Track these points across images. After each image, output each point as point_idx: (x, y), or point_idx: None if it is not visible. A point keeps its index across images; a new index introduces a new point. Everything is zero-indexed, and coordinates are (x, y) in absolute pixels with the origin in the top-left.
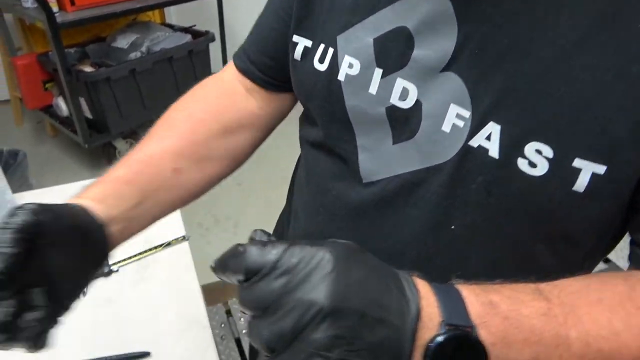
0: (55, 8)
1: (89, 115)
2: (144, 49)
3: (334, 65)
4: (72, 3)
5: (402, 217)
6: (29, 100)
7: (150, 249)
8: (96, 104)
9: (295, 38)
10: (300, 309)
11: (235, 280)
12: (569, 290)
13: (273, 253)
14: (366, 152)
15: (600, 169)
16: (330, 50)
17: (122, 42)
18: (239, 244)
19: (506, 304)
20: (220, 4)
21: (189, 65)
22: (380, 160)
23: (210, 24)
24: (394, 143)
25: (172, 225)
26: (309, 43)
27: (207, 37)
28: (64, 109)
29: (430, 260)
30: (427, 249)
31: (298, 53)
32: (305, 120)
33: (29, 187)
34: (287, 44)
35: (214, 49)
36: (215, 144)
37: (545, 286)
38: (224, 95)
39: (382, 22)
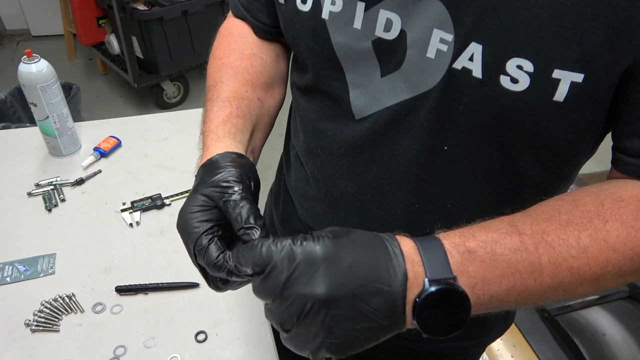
0: None
1: (139, 55)
2: None
3: (317, 4)
4: None
5: (396, 148)
6: (82, 36)
7: None
8: (148, 43)
9: None
10: (301, 301)
11: (247, 272)
12: (541, 218)
13: (275, 251)
14: (356, 88)
15: (579, 77)
16: None
17: None
18: (245, 247)
19: (482, 248)
20: None
21: None
22: (370, 94)
23: None
24: (382, 76)
25: None
26: None
27: None
28: (115, 47)
29: (427, 185)
30: (423, 174)
31: None
32: (295, 65)
33: (81, 119)
34: None
35: None
36: (271, 72)
37: (519, 218)
38: (249, 37)
39: None
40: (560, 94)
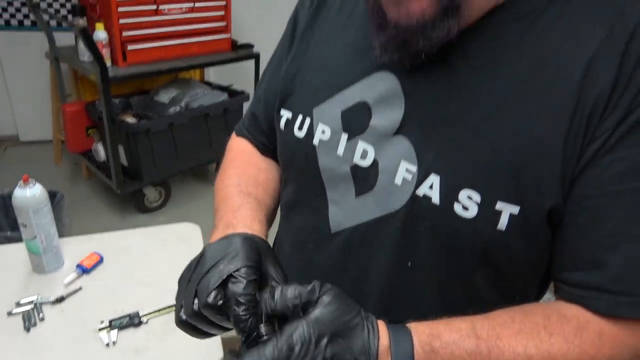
0: (108, 63)
1: (124, 162)
2: (183, 104)
3: (310, 132)
4: (124, 59)
5: (366, 262)
6: (71, 144)
7: None
8: (133, 152)
9: (282, 112)
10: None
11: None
12: (497, 322)
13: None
14: (334, 204)
15: (515, 209)
16: (308, 120)
17: (164, 96)
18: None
19: (444, 349)
20: (257, 66)
21: (222, 121)
22: (346, 211)
23: (245, 83)
24: (356, 196)
25: None
26: (290, 115)
27: (242, 96)
28: (102, 155)
29: (393, 296)
30: (390, 286)
31: (282, 123)
32: (283, 184)
33: (62, 225)
34: (273, 119)
35: (246, 106)
36: (276, 181)
37: (479, 322)
38: (255, 154)
39: (347, 98)
40: (502, 224)
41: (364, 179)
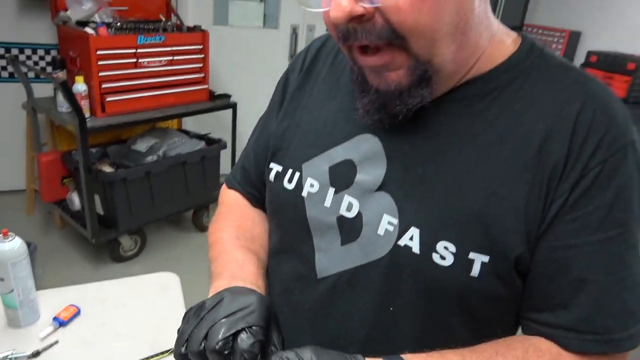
0: (87, 114)
1: (100, 211)
2: (160, 153)
3: (299, 185)
4: (103, 110)
5: (351, 306)
6: (46, 193)
7: (156, 354)
8: (110, 201)
9: (272, 165)
10: None
11: None
12: (484, 356)
13: None
14: (321, 252)
15: (486, 258)
16: (297, 174)
17: (142, 145)
18: None
19: None
20: (234, 115)
21: (200, 169)
22: (331, 258)
23: (222, 132)
24: (342, 244)
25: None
26: (280, 168)
27: (220, 144)
28: (76, 204)
29: (375, 339)
30: (373, 330)
31: (272, 176)
32: (269, 232)
33: (35, 277)
34: (262, 172)
35: (224, 154)
36: (266, 235)
37: (468, 353)
38: (247, 206)
39: (334, 155)
40: (475, 271)
41: (350, 229)
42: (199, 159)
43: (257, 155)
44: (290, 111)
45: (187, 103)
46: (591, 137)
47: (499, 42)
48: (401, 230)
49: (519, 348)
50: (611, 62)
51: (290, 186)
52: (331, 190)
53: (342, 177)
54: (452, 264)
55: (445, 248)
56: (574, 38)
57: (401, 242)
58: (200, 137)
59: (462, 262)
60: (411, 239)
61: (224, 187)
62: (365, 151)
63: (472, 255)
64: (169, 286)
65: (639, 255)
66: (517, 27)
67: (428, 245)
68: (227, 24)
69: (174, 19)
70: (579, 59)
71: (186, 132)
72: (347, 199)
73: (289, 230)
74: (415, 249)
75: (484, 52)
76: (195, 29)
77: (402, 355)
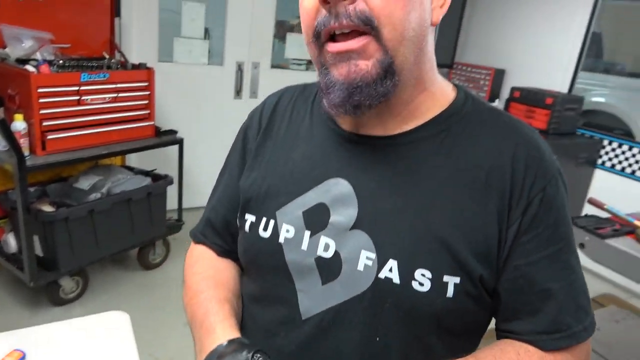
0: (26, 152)
1: (39, 253)
2: (104, 190)
3: (275, 232)
4: (44, 148)
5: (338, 342)
6: None
7: None
8: (50, 242)
9: (246, 216)
10: None
11: None
12: None
13: None
14: (303, 293)
15: (457, 279)
16: (272, 222)
17: (84, 183)
18: None
19: None
20: (180, 150)
21: (146, 206)
22: (314, 299)
23: (168, 168)
24: (323, 284)
25: None
26: (254, 218)
27: (166, 180)
28: (12, 246)
29: None
30: None
31: (247, 226)
32: (248, 280)
33: None
34: (228, 224)
35: (170, 190)
36: (238, 284)
37: (470, 359)
38: (215, 258)
39: (307, 200)
40: (450, 292)
41: (329, 268)
42: (144, 196)
43: (223, 207)
44: (255, 165)
45: (132, 139)
46: (529, 170)
47: (443, 89)
48: (380, 263)
49: (511, 351)
50: (532, 97)
51: (266, 234)
52: (307, 234)
53: (316, 220)
54: (430, 288)
55: (423, 275)
56: (499, 75)
57: (381, 275)
58: (146, 173)
59: (438, 286)
60: (390, 270)
61: (192, 244)
62: (337, 194)
63: (445, 278)
64: (119, 326)
65: (579, 259)
66: (449, 65)
67: (407, 274)
68: (172, 60)
69: (117, 56)
70: (505, 94)
71: (130, 169)
72: (323, 240)
73: (269, 277)
74: (396, 279)
75: (433, 96)
76: (140, 66)
77: None
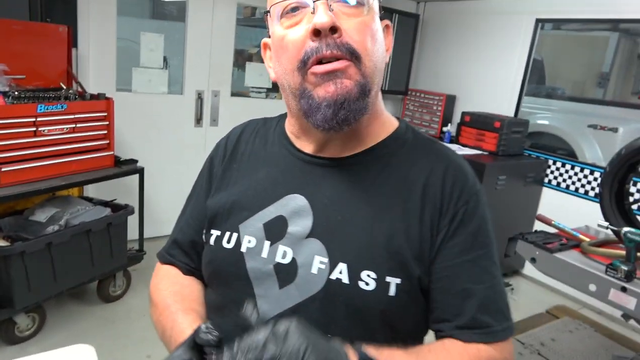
0: None
1: None
2: (62, 222)
3: (238, 243)
4: None
5: None
6: None
7: None
8: (4, 278)
9: (212, 231)
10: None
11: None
12: (431, 353)
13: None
14: (261, 298)
15: (398, 280)
16: (235, 235)
17: (41, 216)
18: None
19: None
20: (141, 179)
21: (105, 237)
22: (271, 302)
23: (128, 197)
24: (280, 288)
25: None
26: (219, 232)
27: (127, 210)
28: None
29: None
30: None
31: (213, 240)
32: (210, 291)
33: None
34: (195, 243)
35: (131, 220)
36: (196, 294)
37: (422, 350)
38: (180, 275)
39: (267, 214)
40: (392, 291)
41: (286, 273)
42: (104, 227)
43: (190, 229)
44: (222, 186)
45: (91, 169)
46: (456, 187)
47: (389, 118)
48: (332, 266)
49: (439, 344)
50: (482, 121)
51: (230, 245)
52: (267, 243)
53: (275, 231)
54: (375, 288)
55: (368, 275)
56: (450, 101)
57: (333, 276)
58: (105, 203)
59: (381, 285)
60: (341, 272)
61: (157, 264)
62: (294, 207)
63: (388, 278)
64: None
65: (499, 270)
66: (403, 92)
67: (355, 275)
68: (132, 90)
69: (75, 86)
70: (456, 119)
71: (89, 199)
72: (281, 248)
73: (231, 285)
74: (345, 280)
75: (383, 124)
76: (99, 96)
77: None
